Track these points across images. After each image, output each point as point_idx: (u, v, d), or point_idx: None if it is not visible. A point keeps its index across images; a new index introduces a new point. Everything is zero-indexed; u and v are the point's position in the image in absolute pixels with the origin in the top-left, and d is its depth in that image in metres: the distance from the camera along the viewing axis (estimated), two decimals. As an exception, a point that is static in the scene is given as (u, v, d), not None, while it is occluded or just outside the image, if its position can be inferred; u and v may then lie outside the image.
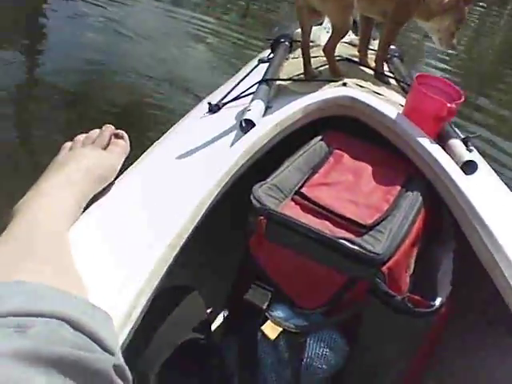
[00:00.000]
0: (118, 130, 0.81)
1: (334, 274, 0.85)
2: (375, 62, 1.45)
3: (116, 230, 0.75)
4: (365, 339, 0.90)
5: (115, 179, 0.80)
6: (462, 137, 1.19)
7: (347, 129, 1.17)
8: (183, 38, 4.46)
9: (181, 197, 0.83)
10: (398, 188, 1.02)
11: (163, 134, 1.16)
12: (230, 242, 0.96)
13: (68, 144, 0.77)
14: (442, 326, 0.94)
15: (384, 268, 0.83)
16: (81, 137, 0.78)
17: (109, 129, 0.80)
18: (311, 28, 1.36)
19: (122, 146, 0.79)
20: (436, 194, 1.03)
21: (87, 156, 0.73)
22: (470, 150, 1.09)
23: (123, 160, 0.79)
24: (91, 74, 3.38)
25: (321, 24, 1.78)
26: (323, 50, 1.35)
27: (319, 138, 1.13)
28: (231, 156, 0.96)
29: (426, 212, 1.00)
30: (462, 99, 1.11)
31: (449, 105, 1.08)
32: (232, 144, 1.01)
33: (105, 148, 0.78)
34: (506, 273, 0.82)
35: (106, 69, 3.52)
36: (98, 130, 0.80)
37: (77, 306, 0.38)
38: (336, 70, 1.35)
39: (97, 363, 0.33)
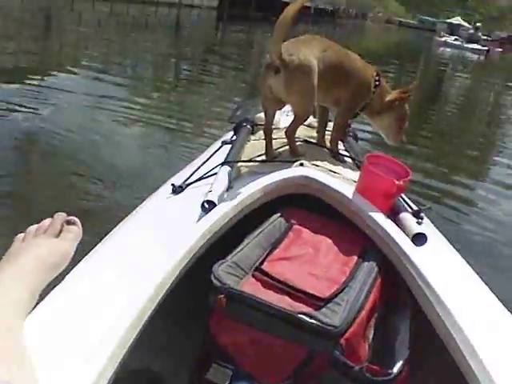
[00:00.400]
0: (70, 217, 0.83)
1: (295, 349, 0.86)
2: (330, 142, 1.56)
3: (76, 311, 0.76)
4: None
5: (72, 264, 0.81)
6: (415, 209, 1.28)
7: (305, 205, 1.23)
8: (113, 129, 4.46)
9: (142, 277, 0.85)
10: (355, 260, 1.07)
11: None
12: (192, 321, 0.97)
13: (20, 235, 0.79)
14: None
15: (342, 340, 0.85)
16: (33, 227, 0.80)
17: (60, 217, 0.82)
18: (275, 113, 1.47)
19: (75, 232, 0.81)
20: (390, 264, 1.08)
21: (39, 245, 0.75)
22: (420, 223, 1.16)
23: (75, 245, 0.81)
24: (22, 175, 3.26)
25: (280, 109, 1.92)
26: (285, 133, 1.45)
27: (278, 214, 1.18)
28: (193, 236, 0.99)
29: (382, 282, 1.05)
30: (409, 176, 1.20)
31: (397, 182, 1.16)
32: (194, 224, 1.05)
33: (57, 235, 0.79)
34: (457, 340, 0.86)
35: (36, 168, 3.42)
36: (49, 219, 0.82)
37: None
38: (296, 151, 1.44)
39: None
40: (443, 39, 23.06)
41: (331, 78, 1.42)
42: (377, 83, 1.50)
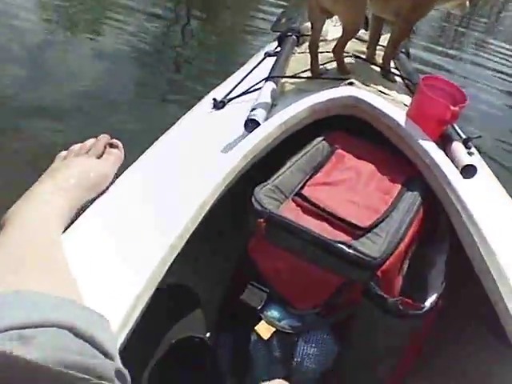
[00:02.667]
0: (113, 140, 0.83)
1: (330, 277, 0.86)
2: (383, 59, 1.45)
3: (117, 229, 0.77)
4: (355, 337, 0.92)
5: (111, 184, 0.81)
6: (464, 137, 1.19)
7: (351, 128, 1.17)
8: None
9: (183, 197, 0.84)
10: (398, 189, 1.03)
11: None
12: (230, 242, 0.98)
13: (63, 153, 0.79)
14: (432, 325, 0.96)
15: (379, 271, 0.84)
16: (75, 146, 0.80)
17: (104, 138, 0.82)
18: (322, 26, 1.35)
19: (116, 155, 0.81)
20: (434, 196, 1.03)
21: (80, 164, 0.75)
22: (471, 154, 1.09)
23: (117, 168, 0.81)
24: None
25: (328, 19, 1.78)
26: (333, 50, 1.34)
27: (322, 137, 1.13)
28: (235, 156, 0.97)
29: (424, 214, 1.01)
30: (467, 102, 1.10)
31: (452, 108, 1.08)
32: (236, 144, 1.02)
33: (99, 157, 0.79)
34: (495, 276, 0.84)
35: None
36: (93, 140, 0.82)
37: (74, 312, 0.40)
38: (344, 69, 1.34)
39: (100, 368, 0.34)
40: None
41: None
42: None
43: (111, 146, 0.82)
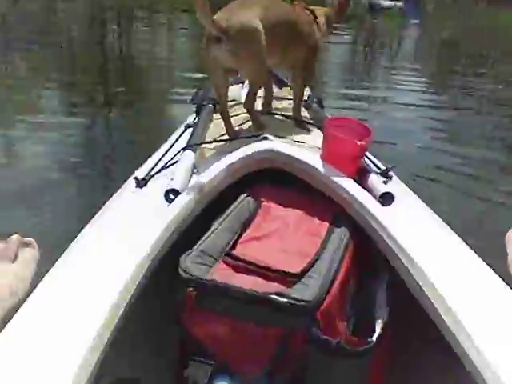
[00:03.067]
0: (26, 239, 0.80)
1: (270, 331, 0.85)
2: (293, 110, 1.52)
3: (49, 320, 0.74)
4: None
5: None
6: (382, 168, 1.26)
7: (273, 179, 1.21)
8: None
9: (109, 280, 0.83)
10: (326, 229, 1.05)
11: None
12: (166, 318, 0.95)
13: None
14: (385, 355, 0.95)
15: (318, 314, 0.84)
16: None
17: (14, 239, 0.78)
18: (227, 89, 1.41)
19: (32, 254, 0.78)
20: (361, 228, 1.06)
21: None
22: (386, 182, 1.15)
23: (34, 268, 0.77)
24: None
25: (242, 83, 1.87)
26: (245, 107, 1.40)
27: (245, 194, 1.15)
28: (157, 230, 0.97)
29: (356, 248, 1.03)
30: (372, 136, 1.16)
31: (359, 143, 1.14)
32: (158, 217, 1.02)
33: (14, 260, 0.76)
34: (428, 295, 0.85)
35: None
36: (2, 244, 0.78)
37: None
38: (259, 124, 1.40)
39: None
40: None
41: (283, 37, 1.34)
42: (316, 24, 1.47)
43: (24, 245, 0.79)
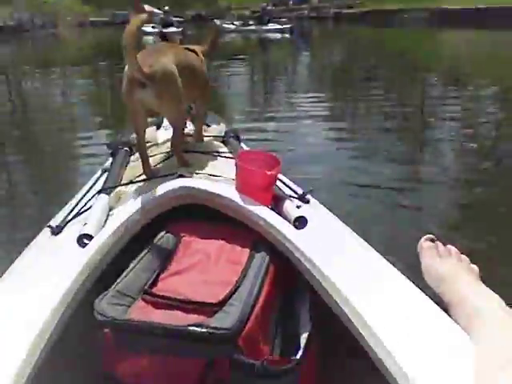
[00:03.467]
0: None
1: (192, 363, 0.84)
2: (197, 134, 1.69)
3: None
4: None
5: None
6: (300, 193, 1.33)
7: (192, 214, 1.22)
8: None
9: (22, 330, 0.80)
10: (246, 257, 1.08)
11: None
12: (88, 362, 0.92)
13: None
14: (312, 372, 0.97)
15: (240, 340, 0.85)
16: None
17: None
18: (145, 129, 1.44)
19: None
20: (279, 252, 1.10)
21: None
22: (300, 207, 1.20)
23: None
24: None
25: (157, 125, 1.90)
26: (171, 147, 1.44)
27: (164, 231, 1.16)
28: (70, 276, 0.94)
29: (276, 271, 1.06)
30: (279, 165, 1.23)
31: (268, 173, 1.19)
32: (71, 263, 1.00)
33: None
34: (346, 312, 0.89)
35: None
36: None
37: None
38: (184, 162, 1.42)
39: None
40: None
41: (188, 79, 1.43)
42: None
43: None
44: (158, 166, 1.46)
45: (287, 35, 18.65)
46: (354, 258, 1.06)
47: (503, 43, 13.15)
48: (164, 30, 19.71)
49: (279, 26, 19.63)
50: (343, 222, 1.29)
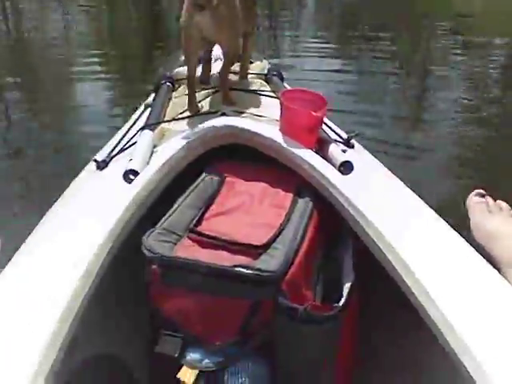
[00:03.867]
0: None
1: (237, 303, 0.86)
2: (241, 70, 1.62)
3: (13, 298, 0.75)
4: (283, 355, 0.92)
5: None
6: (344, 136, 1.28)
7: (235, 155, 1.21)
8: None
9: (72, 265, 0.82)
10: (290, 200, 1.07)
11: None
12: (135, 298, 0.96)
13: None
14: (354, 320, 0.98)
15: (283, 284, 0.85)
16: None
17: None
18: (198, 60, 1.41)
19: None
20: (324, 198, 1.08)
21: None
22: (345, 151, 1.16)
23: None
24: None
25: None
26: (219, 76, 1.40)
27: (208, 170, 1.15)
28: (117, 211, 0.96)
29: (320, 217, 1.05)
30: (326, 106, 1.18)
31: (314, 113, 1.14)
32: (118, 198, 1.01)
33: None
34: (393, 262, 0.88)
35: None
36: None
37: None
38: (229, 99, 1.40)
39: None
40: None
41: (244, 9, 1.37)
42: None
43: None
44: (202, 102, 1.44)
45: None
46: (400, 207, 1.04)
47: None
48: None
49: None
50: (388, 168, 1.26)
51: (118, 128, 1.63)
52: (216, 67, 1.61)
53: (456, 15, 8.53)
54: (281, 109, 1.20)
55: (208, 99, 1.45)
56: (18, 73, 4.69)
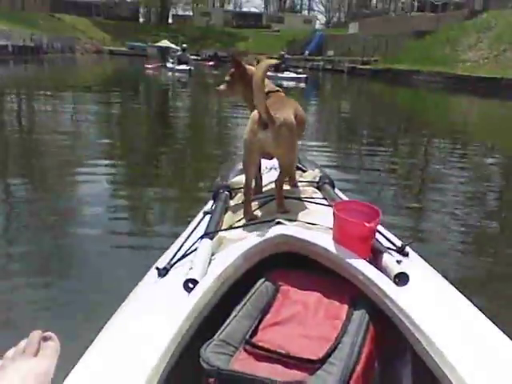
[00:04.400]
0: (46, 333, 0.83)
1: None
2: (291, 180, 1.73)
3: None
4: None
5: None
6: (398, 245, 1.29)
7: (289, 263, 1.24)
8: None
9: (132, 372, 0.85)
10: (345, 311, 1.07)
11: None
12: None
13: None
14: None
15: None
16: (10, 351, 0.80)
17: (36, 334, 0.82)
18: (255, 172, 1.58)
19: (53, 348, 0.81)
20: (381, 310, 1.07)
21: (19, 369, 0.75)
22: (399, 262, 1.16)
23: (55, 360, 0.80)
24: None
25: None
26: (275, 186, 1.52)
27: (264, 278, 1.18)
28: (177, 320, 0.99)
29: (376, 330, 1.04)
30: (380, 216, 1.21)
31: (367, 224, 1.17)
32: (178, 307, 1.04)
33: (36, 354, 0.79)
34: (450, 377, 0.85)
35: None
36: (25, 340, 0.82)
37: None
38: (283, 208, 1.49)
39: None
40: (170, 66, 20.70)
41: (298, 130, 1.56)
42: None
43: (45, 339, 0.82)
44: (258, 210, 1.52)
45: (302, 84, 18.49)
46: (459, 320, 1.01)
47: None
48: (176, 67, 20.38)
49: (295, 75, 19.48)
50: (444, 276, 1.24)
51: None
52: (268, 177, 1.73)
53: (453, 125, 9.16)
54: (334, 219, 1.24)
55: (263, 207, 1.53)
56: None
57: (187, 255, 1.31)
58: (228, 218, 1.53)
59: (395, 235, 1.46)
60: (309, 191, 1.70)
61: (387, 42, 25.44)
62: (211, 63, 27.69)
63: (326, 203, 1.56)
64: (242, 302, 1.10)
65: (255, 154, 1.48)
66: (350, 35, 31.83)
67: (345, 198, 1.77)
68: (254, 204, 1.55)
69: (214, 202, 1.71)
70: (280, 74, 18.50)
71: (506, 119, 11.62)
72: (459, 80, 17.68)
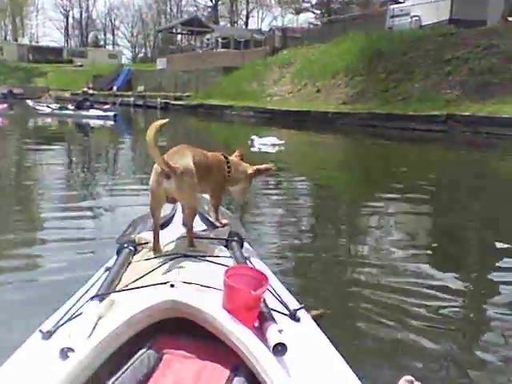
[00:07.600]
0: None
1: None
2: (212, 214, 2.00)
3: None
4: None
5: None
6: (291, 309, 1.31)
7: (177, 328, 1.22)
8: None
9: None
10: (224, 380, 1.08)
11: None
12: None
13: None
14: None
15: None
16: None
17: None
18: (160, 213, 1.73)
19: None
20: (258, 381, 1.08)
21: None
22: (281, 331, 1.17)
23: None
24: None
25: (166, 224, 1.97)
26: (184, 226, 1.77)
27: (147, 346, 1.15)
28: None
29: None
30: (267, 283, 1.24)
31: (253, 293, 1.19)
32: (52, 377, 0.99)
33: None
34: None
35: None
36: None
37: None
38: (193, 243, 1.70)
39: None
40: None
41: (201, 175, 1.77)
42: (228, 165, 1.97)
43: None
44: (167, 245, 1.64)
45: (111, 122, 16.25)
46: None
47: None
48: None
49: (102, 113, 17.11)
50: (331, 341, 1.28)
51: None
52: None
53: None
54: (224, 285, 1.25)
55: (173, 242, 1.67)
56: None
57: (73, 318, 1.25)
58: (127, 276, 1.48)
59: (292, 294, 1.50)
60: (215, 250, 1.69)
61: (198, 78, 26.04)
62: (5, 105, 21.02)
63: (231, 263, 1.56)
64: (119, 372, 1.06)
65: (161, 200, 1.70)
66: (160, 70, 31.13)
67: (254, 257, 1.78)
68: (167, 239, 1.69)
69: (117, 257, 1.64)
70: (84, 112, 16.88)
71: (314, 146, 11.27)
72: (270, 113, 17.83)
